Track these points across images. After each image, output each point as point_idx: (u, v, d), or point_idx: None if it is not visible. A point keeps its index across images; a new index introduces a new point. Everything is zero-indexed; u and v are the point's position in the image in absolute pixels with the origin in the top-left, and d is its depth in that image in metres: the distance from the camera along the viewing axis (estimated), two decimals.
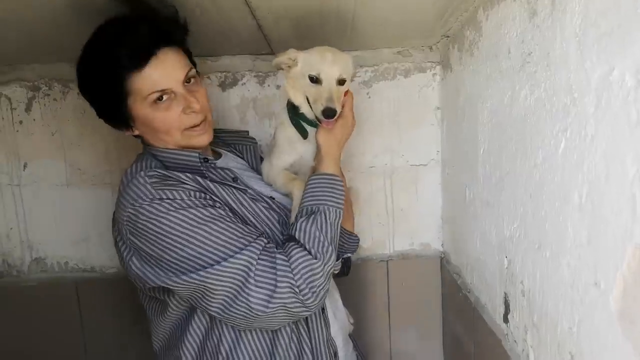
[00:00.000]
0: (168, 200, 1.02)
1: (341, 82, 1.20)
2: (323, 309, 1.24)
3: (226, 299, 1.02)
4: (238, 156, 1.42)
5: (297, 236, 1.09)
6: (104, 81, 1.08)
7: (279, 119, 1.36)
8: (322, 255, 1.07)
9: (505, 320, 1.16)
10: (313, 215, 1.11)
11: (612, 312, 0.69)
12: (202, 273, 0.99)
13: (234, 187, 1.18)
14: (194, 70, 1.16)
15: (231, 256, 1.01)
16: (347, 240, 1.35)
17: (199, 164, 1.16)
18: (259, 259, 1.02)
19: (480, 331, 1.36)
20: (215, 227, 1.02)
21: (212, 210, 1.05)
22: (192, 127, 1.15)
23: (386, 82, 1.81)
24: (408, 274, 1.91)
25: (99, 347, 1.92)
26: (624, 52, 0.64)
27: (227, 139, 1.44)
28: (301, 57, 1.22)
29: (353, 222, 1.42)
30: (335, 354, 1.27)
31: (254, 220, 1.15)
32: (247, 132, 1.51)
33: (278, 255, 1.04)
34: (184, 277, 1.00)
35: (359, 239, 1.40)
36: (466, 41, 1.40)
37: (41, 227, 1.88)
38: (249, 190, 1.21)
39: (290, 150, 1.30)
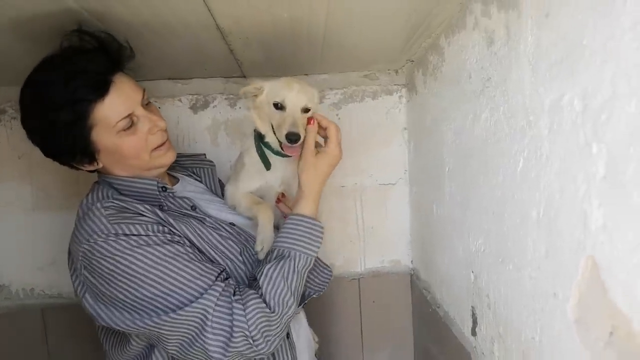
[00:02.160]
0: (124, 237, 1.00)
1: (305, 110, 1.20)
2: (288, 334, 1.25)
3: (183, 343, 1.01)
4: (196, 180, 1.42)
5: (260, 282, 1.07)
6: (67, 116, 1.02)
7: (246, 144, 1.37)
8: (280, 308, 1.06)
9: (474, 333, 1.20)
10: (282, 261, 1.10)
11: (570, 320, 0.73)
12: (156, 320, 0.98)
13: (193, 217, 1.18)
14: (146, 92, 1.15)
15: (188, 304, 0.99)
16: (320, 274, 1.32)
17: (157, 193, 1.15)
18: (216, 305, 1.01)
19: (450, 345, 1.40)
20: (172, 268, 1.01)
21: (170, 248, 1.03)
22: (159, 146, 1.15)
23: (355, 104, 1.87)
24: (379, 290, 1.94)
25: None
26: (572, 80, 0.70)
27: (184, 163, 1.43)
28: (267, 85, 1.23)
29: None
30: None
31: (214, 254, 1.13)
32: (205, 155, 1.51)
33: (235, 304, 1.02)
34: (139, 323, 0.99)
35: (331, 274, 1.37)
36: (430, 66, 1.47)
37: (5, 252, 1.83)
38: (208, 219, 1.20)
39: (257, 176, 1.31)
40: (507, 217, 0.96)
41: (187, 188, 1.32)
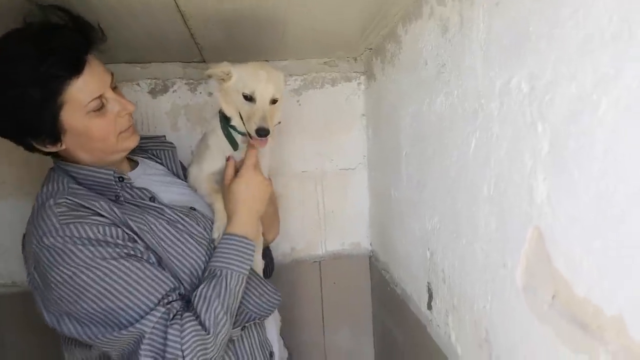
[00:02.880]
0: (71, 243, 0.97)
1: (274, 101, 1.23)
2: None
3: (121, 355, 1.01)
4: (157, 162, 1.40)
5: (195, 303, 1.05)
6: (38, 93, 0.98)
7: (210, 125, 1.37)
8: (214, 328, 1.03)
9: (429, 307, 1.27)
10: (215, 280, 1.09)
11: (518, 287, 0.80)
12: (92, 336, 0.97)
13: (150, 209, 1.15)
14: (114, 75, 1.13)
15: (127, 325, 0.97)
16: (268, 299, 1.25)
17: (113, 183, 1.13)
18: (153, 329, 0.98)
19: (407, 321, 1.47)
20: (116, 286, 0.98)
21: (116, 264, 0.99)
22: (126, 129, 1.14)
23: (315, 90, 1.90)
24: (340, 272, 2.00)
25: None
26: (520, 64, 0.75)
27: (144, 146, 1.38)
28: (235, 72, 1.23)
29: (278, 228, 1.49)
30: (271, 354, 1.31)
31: (173, 256, 1.11)
32: (164, 136, 1.48)
33: (170, 330, 0.98)
34: (78, 332, 0.98)
35: (279, 300, 1.28)
36: (388, 53, 1.52)
37: None
38: (166, 210, 1.17)
39: (221, 156, 1.32)
40: (461, 195, 1.02)
41: (147, 171, 1.30)
